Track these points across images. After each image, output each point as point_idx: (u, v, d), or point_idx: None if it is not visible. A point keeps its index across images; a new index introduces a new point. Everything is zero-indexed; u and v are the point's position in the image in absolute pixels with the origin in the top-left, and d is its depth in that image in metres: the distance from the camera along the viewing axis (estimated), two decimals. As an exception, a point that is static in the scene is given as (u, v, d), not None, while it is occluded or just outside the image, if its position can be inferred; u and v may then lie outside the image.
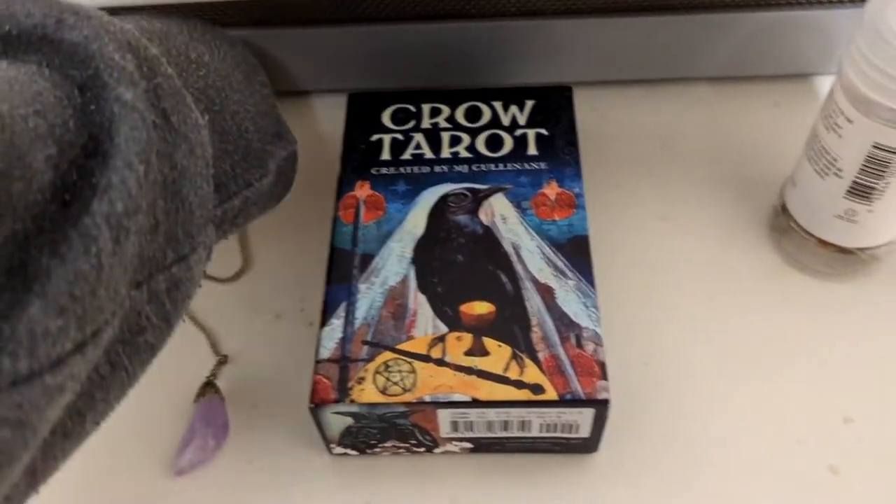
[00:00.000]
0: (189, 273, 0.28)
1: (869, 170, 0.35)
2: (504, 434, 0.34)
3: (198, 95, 0.31)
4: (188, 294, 0.29)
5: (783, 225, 0.41)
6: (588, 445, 0.35)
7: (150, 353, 0.27)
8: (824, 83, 0.49)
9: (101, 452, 0.37)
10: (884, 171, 0.34)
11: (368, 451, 0.36)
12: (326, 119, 0.49)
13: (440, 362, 0.33)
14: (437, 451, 0.36)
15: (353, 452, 0.36)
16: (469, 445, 0.35)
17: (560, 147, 0.41)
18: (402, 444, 0.35)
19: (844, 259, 0.40)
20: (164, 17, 0.37)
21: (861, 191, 0.36)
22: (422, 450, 0.36)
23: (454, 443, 0.35)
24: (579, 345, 0.33)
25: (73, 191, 0.22)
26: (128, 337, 0.25)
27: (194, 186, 0.27)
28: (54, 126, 0.22)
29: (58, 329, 0.20)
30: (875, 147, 0.34)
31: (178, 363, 0.40)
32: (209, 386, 0.38)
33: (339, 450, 0.36)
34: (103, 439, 0.34)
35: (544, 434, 0.34)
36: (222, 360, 0.40)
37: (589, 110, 0.49)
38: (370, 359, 0.34)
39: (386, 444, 0.35)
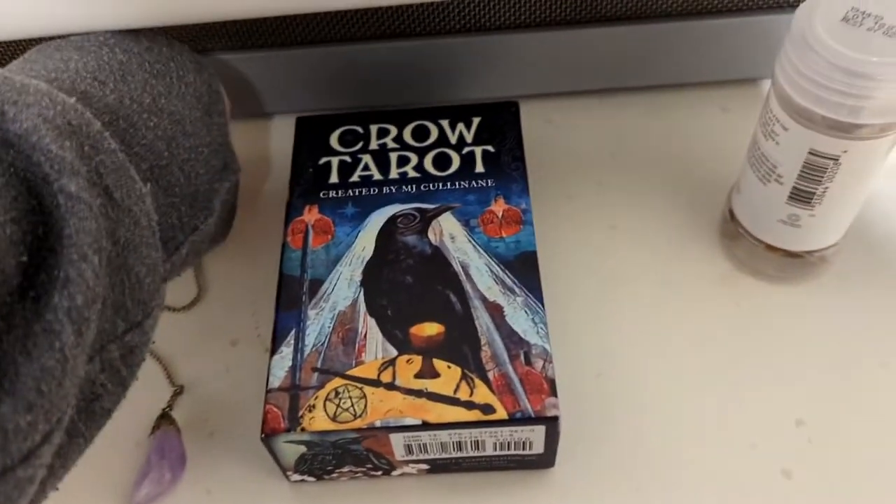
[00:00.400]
0: (144, 338, 0.28)
1: (807, 176, 0.35)
2: (459, 454, 0.34)
3: (144, 154, 0.31)
4: (142, 357, 0.29)
5: (733, 231, 0.42)
6: (544, 461, 0.35)
7: (106, 416, 0.27)
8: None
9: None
10: (821, 177, 0.35)
11: (326, 476, 0.36)
12: (278, 142, 0.49)
13: (390, 386, 0.33)
14: (394, 473, 0.36)
15: (311, 479, 0.36)
16: (426, 467, 0.35)
17: (507, 163, 0.41)
18: (358, 469, 0.35)
19: (793, 262, 0.40)
20: (131, 38, 0.35)
21: (802, 196, 0.36)
22: (379, 473, 0.36)
23: (410, 465, 0.35)
24: (528, 362, 0.34)
25: (36, 286, 0.23)
26: (83, 406, 0.25)
27: (141, 257, 0.27)
28: (27, 232, 0.23)
29: (27, 424, 0.21)
30: (811, 154, 0.34)
31: (133, 395, 0.39)
32: (164, 418, 0.38)
33: (296, 477, 0.36)
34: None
35: (499, 452, 0.34)
36: (178, 391, 0.40)
37: (543, 122, 0.49)
38: (320, 386, 0.34)
39: (343, 469, 0.35)
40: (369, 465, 0.35)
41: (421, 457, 0.34)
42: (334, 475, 0.36)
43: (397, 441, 0.33)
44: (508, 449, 0.34)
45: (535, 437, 0.33)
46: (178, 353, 0.41)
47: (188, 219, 0.33)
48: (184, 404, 0.39)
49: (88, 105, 0.29)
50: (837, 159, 0.34)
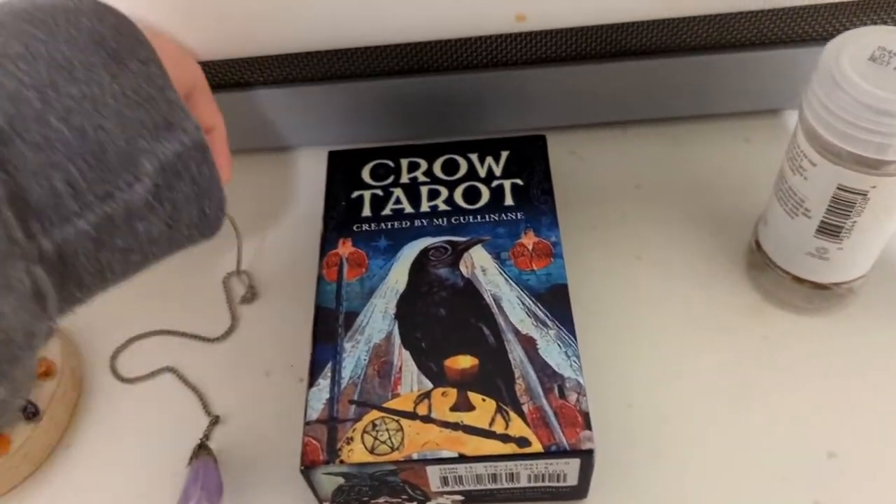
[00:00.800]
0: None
1: (836, 210, 0.36)
2: (493, 486, 0.35)
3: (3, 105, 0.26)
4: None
5: (759, 262, 0.42)
6: (577, 492, 0.36)
7: None
8: (793, 117, 0.51)
9: (107, 501, 0.37)
10: (850, 211, 0.35)
11: (361, 507, 0.36)
12: (309, 174, 0.50)
13: (426, 419, 0.34)
14: (428, 504, 0.36)
15: (346, 510, 0.36)
16: (460, 498, 0.36)
17: (536, 196, 0.42)
18: (393, 500, 0.36)
19: (821, 294, 0.41)
20: None
21: (830, 230, 0.37)
22: (414, 503, 0.36)
23: (445, 496, 0.36)
24: (562, 395, 0.34)
25: None
26: None
27: None
28: None
29: None
30: (840, 189, 0.35)
31: (170, 426, 0.41)
32: (202, 448, 0.38)
33: (331, 508, 0.36)
34: (104, 490, 0.34)
35: (533, 484, 0.35)
36: (214, 421, 0.40)
37: (567, 154, 0.50)
38: (358, 418, 0.34)
39: (378, 500, 0.36)
40: (404, 496, 0.36)
41: (456, 488, 0.35)
42: (370, 506, 0.36)
43: (433, 473, 0.34)
44: (542, 481, 0.35)
45: (570, 469, 0.34)
46: (212, 383, 0.42)
47: (90, 181, 0.28)
48: (219, 434, 0.40)
49: None
50: (866, 194, 0.34)
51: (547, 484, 0.35)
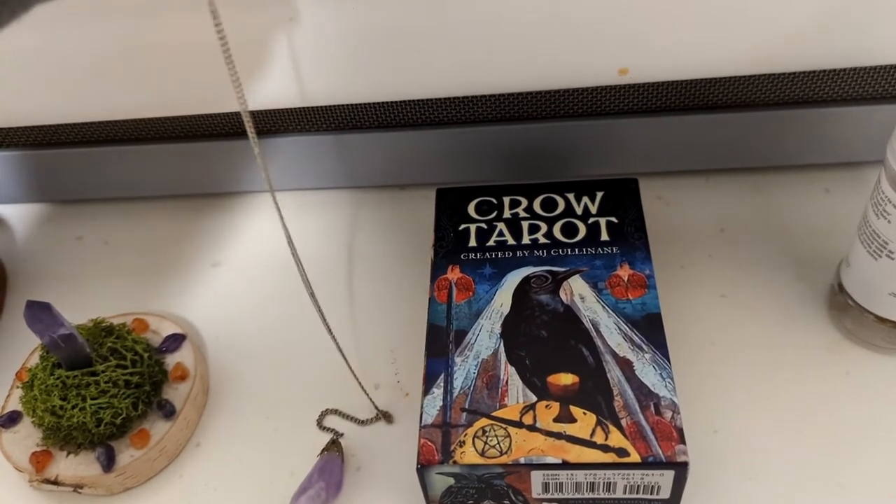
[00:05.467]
0: None
1: (918, 251, 0.38)
2: (590, 495, 0.38)
3: None
4: None
5: (841, 303, 0.45)
6: (668, 507, 0.38)
7: None
8: (871, 170, 0.53)
9: (231, 493, 0.41)
10: (932, 253, 0.38)
11: (464, 511, 0.39)
12: (416, 210, 0.55)
13: (532, 428, 0.37)
14: (527, 511, 0.39)
15: (451, 512, 0.40)
16: (557, 506, 0.39)
17: (629, 233, 0.45)
18: (495, 505, 0.39)
19: (902, 334, 0.43)
20: None
21: (912, 270, 0.39)
22: (513, 510, 0.39)
23: (545, 503, 0.38)
24: (658, 412, 0.37)
25: None
26: None
27: None
28: None
29: None
30: (923, 231, 0.37)
31: (288, 431, 0.44)
32: (334, 444, 0.42)
33: (438, 510, 0.39)
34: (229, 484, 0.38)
35: (628, 496, 0.37)
36: (377, 417, 0.44)
37: (654, 199, 0.53)
38: (469, 424, 0.37)
39: (481, 505, 0.39)
40: (507, 501, 0.39)
41: (556, 496, 0.38)
42: (473, 510, 0.39)
43: (537, 478, 0.37)
44: (637, 493, 0.37)
45: (664, 481, 0.36)
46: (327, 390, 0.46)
47: None
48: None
49: None
50: (948, 237, 0.37)
51: (641, 496, 0.37)
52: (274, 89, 0.43)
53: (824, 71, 0.48)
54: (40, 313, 0.40)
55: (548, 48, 0.41)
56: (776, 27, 0.40)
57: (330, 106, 0.49)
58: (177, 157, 0.55)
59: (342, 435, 0.43)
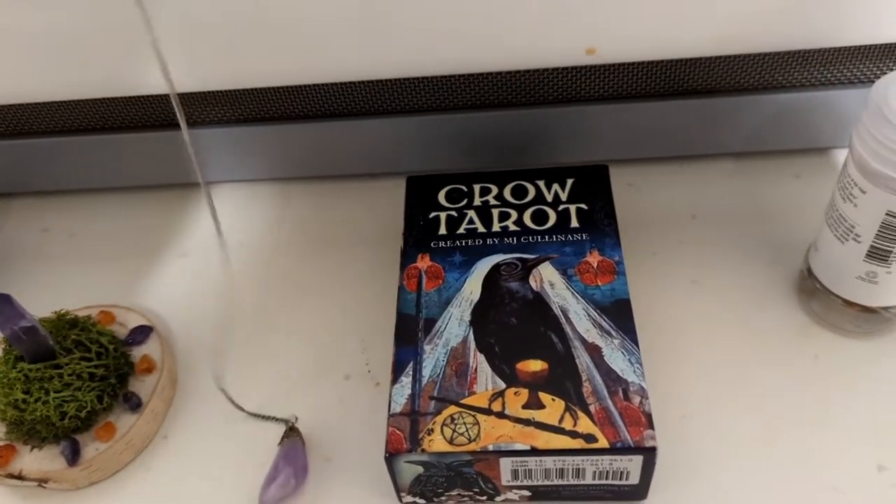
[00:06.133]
0: None
1: (885, 235, 0.38)
2: (560, 482, 0.37)
3: None
4: None
5: (810, 287, 0.45)
6: (638, 492, 0.38)
7: None
8: (840, 155, 0.53)
9: (200, 486, 0.41)
10: (898, 236, 0.38)
11: (435, 499, 0.39)
12: (386, 198, 0.54)
13: (500, 415, 0.37)
14: (498, 499, 0.39)
15: (422, 501, 0.39)
16: (528, 493, 0.38)
17: (599, 219, 0.45)
18: (465, 493, 0.39)
19: (869, 318, 0.43)
20: None
21: (879, 254, 0.39)
22: (484, 498, 0.39)
23: (514, 491, 0.38)
24: (626, 398, 0.37)
25: None
26: None
27: None
28: None
29: None
30: (889, 215, 0.37)
31: (258, 421, 0.44)
32: (292, 430, 0.42)
33: (408, 498, 0.39)
34: (197, 477, 0.38)
35: (597, 481, 0.37)
36: (294, 420, 0.44)
37: (624, 185, 0.53)
38: (437, 412, 0.37)
39: (451, 493, 0.39)
40: (476, 490, 0.38)
41: (525, 483, 0.38)
42: (443, 498, 0.39)
43: (506, 466, 0.37)
44: (606, 478, 0.37)
45: (633, 466, 0.36)
46: (297, 383, 0.46)
47: None
48: (302, 430, 0.43)
49: None
50: (913, 220, 0.37)
51: (610, 482, 0.37)
52: (221, 69, 0.42)
53: (793, 55, 0.48)
54: (0, 305, 0.39)
55: (513, 26, 0.40)
56: (744, 6, 0.40)
57: (298, 91, 0.48)
58: (143, 146, 0.54)
59: (297, 419, 0.43)
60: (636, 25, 0.40)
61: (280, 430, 0.43)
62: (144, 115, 0.53)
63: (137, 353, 0.45)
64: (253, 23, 0.40)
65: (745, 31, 0.40)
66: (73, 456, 0.40)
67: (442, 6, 0.39)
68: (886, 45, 0.44)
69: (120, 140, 0.54)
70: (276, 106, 0.52)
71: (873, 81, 0.48)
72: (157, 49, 0.33)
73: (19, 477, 0.40)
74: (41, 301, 0.50)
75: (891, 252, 0.39)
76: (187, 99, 0.51)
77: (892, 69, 0.48)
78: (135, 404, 0.43)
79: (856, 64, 0.48)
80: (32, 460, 0.41)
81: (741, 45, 0.41)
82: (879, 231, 0.38)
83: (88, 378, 0.41)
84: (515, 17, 0.40)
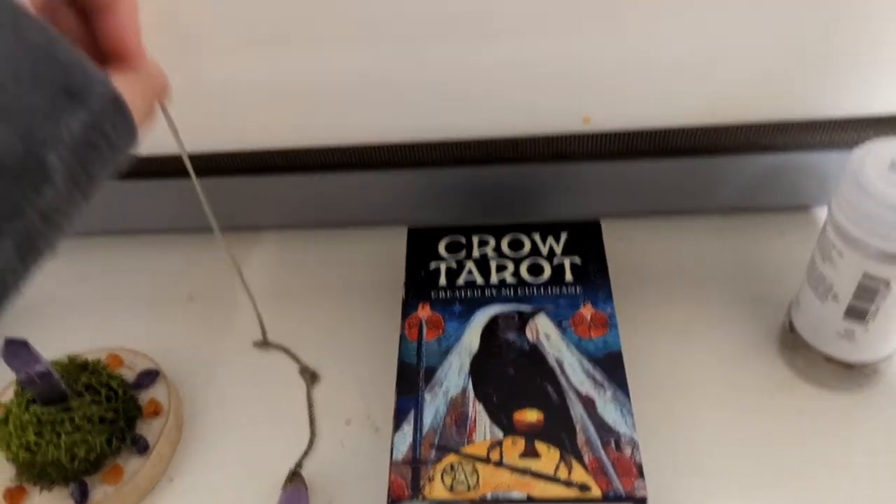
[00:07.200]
0: None
1: (861, 296, 0.41)
2: (554, 529, 0.39)
3: None
4: None
5: (792, 341, 0.47)
6: (628, 540, 0.40)
7: None
8: (821, 213, 0.56)
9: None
10: (874, 297, 0.40)
11: (433, 544, 0.40)
12: (388, 246, 0.56)
13: (499, 464, 0.39)
14: (493, 545, 0.40)
15: (420, 546, 0.41)
16: (522, 540, 0.40)
17: (592, 273, 0.47)
18: (463, 539, 0.40)
19: (849, 373, 0.45)
20: None
21: (857, 313, 0.42)
22: (480, 544, 0.40)
23: (509, 537, 0.40)
24: (619, 448, 0.39)
25: None
26: None
27: None
28: None
29: None
30: (865, 277, 0.40)
31: (261, 464, 0.45)
32: (296, 475, 0.43)
33: (407, 543, 0.41)
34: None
35: (590, 529, 0.39)
36: (298, 466, 0.45)
37: (616, 239, 0.55)
38: (438, 460, 0.39)
39: (449, 539, 0.40)
40: (474, 536, 0.40)
41: (521, 529, 0.39)
42: (441, 543, 0.40)
43: (503, 513, 0.38)
44: (599, 526, 0.39)
45: (625, 515, 0.38)
46: (294, 429, 0.47)
47: None
48: (305, 473, 0.45)
49: None
50: (889, 283, 0.39)
51: (603, 529, 0.39)
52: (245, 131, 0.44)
53: (777, 122, 0.51)
54: (18, 350, 0.40)
55: (515, 98, 0.43)
56: (731, 83, 0.42)
57: (304, 147, 0.51)
58: (151, 192, 0.56)
59: (301, 465, 0.44)
60: (630, 98, 0.42)
61: (284, 476, 0.44)
62: (152, 163, 0.55)
63: (145, 396, 0.47)
64: (270, 91, 0.42)
65: (735, 104, 0.43)
66: (82, 498, 0.41)
67: (447, 81, 0.42)
68: (864, 117, 0.47)
69: (128, 186, 0.56)
70: (283, 158, 0.54)
71: (852, 147, 0.51)
72: (168, 117, 0.35)
73: (28, 518, 0.41)
74: (51, 343, 0.51)
75: (867, 311, 0.41)
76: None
77: (870, 137, 0.51)
78: (142, 447, 0.44)
79: (836, 131, 0.51)
80: (42, 502, 0.42)
81: (731, 116, 0.44)
82: (857, 292, 0.41)
83: (98, 421, 0.43)
84: (518, 91, 0.42)
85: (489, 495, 0.37)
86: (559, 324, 0.45)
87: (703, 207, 0.56)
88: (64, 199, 0.27)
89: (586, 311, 0.45)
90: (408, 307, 0.46)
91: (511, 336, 0.44)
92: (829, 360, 0.45)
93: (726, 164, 0.53)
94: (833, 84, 0.43)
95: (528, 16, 0.40)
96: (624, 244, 0.55)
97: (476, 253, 0.49)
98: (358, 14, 0.39)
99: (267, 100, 0.43)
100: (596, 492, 0.37)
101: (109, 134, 0.28)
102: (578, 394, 0.41)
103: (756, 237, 0.55)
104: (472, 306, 0.46)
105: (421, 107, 0.43)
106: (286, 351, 0.51)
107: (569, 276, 0.47)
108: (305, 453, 0.45)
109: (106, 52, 0.32)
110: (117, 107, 0.28)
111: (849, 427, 0.45)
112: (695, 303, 0.51)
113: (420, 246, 0.50)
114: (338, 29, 0.40)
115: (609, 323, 0.44)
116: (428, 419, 0.41)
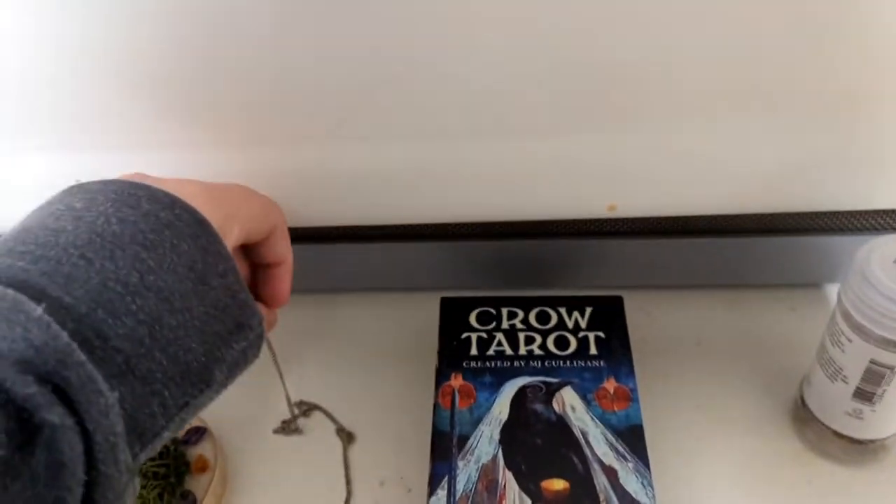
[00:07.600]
0: None
1: (869, 379, 0.43)
2: None
3: (121, 345, 0.29)
4: None
5: (804, 416, 0.50)
6: None
7: None
8: (832, 290, 0.59)
9: None
10: (881, 381, 0.43)
11: None
12: (421, 313, 0.60)
13: (527, 530, 0.41)
14: None
15: None
16: None
17: (615, 348, 0.50)
18: None
19: (858, 448, 0.48)
20: (132, 202, 0.33)
21: (864, 395, 0.44)
22: None
23: None
24: (640, 519, 0.41)
25: None
26: None
27: (107, 478, 0.28)
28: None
29: None
30: (872, 363, 0.43)
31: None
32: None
33: None
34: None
35: None
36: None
37: (637, 310, 0.59)
38: (470, 526, 0.42)
39: None
40: None
41: None
42: None
43: (531, 578, 0.41)
44: (620, 593, 0.41)
45: (645, 583, 0.40)
46: (331, 486, 0.50)
47: (175, 399, 0.31)
48: (341, 532, 0.48)
49: (61, 306, 0.28)
50: (894, 369, 0.42)
51: None
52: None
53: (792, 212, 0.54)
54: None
55: (544, 187, 0.47)
56: (749, 177, 0.46)
57: (350, 225, 0.55)
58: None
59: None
60: (653, 188, 0.46)
61: (323, 532, 0.47)
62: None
63: (192, 452, 0.50)
64: (324, 176, 0.46)
65: (750, 196, 0.46)
66: (136, 550, 0.44)
67: (481, 172, 0.46)
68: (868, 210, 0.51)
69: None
70: (328, 230, 0.58)
71: (862, 231, 0.54)
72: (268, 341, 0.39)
73: (84, 567, 0.44)
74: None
75: (874, 394, 0.44)
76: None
77: (875, 222, 0.54)
78: (190, 502, 0.47)
79: (845, 217, 0.54)
80: (98, 552, 0.45)
81: (749, 207, 0.48)
82: (864, 376, 0.44)
83: (152, 477, 0.46)
84: (545, 182, 0.46)
85: (518, 561, 0.40)
86: (584, 396, 0.47)
87: (719, 282, 0.59)
88: (209, 400, 0.34)
89: (609, 385, 0.48)
90: (441, 376, 0.50)
91: (538, 407, 0.47)
92: (839, 435, 0.48)
93: (740, 244, 0.56)
94: (843, 180, 0.46)
95: (557, 114, 0.43)
96: (644, 314, 0.59)
97: (505, 324, 0.52)
98: (401, 113, 0.43)
99: (319, 183, 0.47)
100: (618, 560, 0.40)
101: (250, 356, 0.37)
102: (602, 465, 0.44)
103: (769, 312, 0.58)
104: (501, 377, 0.49)
105: (459, 193, 0.47)
106: (323, 411, 0.54)
107: (593, 350, 0.50)
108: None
109: (261, 294, 0.43)
110: (260, 338, 0.37)
111: (858, 499, 0.47)
112: (711, 376, 0.54)
113: (452, 316, 0.53)
114: (389, 128, 0.44)
115: (631, 397, 0.47)
116: (461, 485, 0.43)
